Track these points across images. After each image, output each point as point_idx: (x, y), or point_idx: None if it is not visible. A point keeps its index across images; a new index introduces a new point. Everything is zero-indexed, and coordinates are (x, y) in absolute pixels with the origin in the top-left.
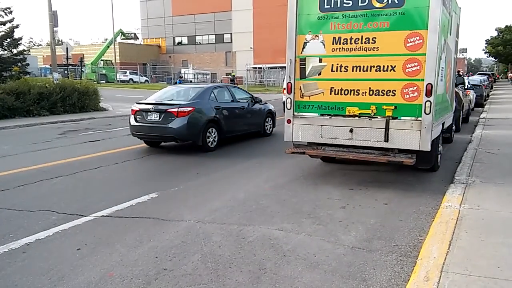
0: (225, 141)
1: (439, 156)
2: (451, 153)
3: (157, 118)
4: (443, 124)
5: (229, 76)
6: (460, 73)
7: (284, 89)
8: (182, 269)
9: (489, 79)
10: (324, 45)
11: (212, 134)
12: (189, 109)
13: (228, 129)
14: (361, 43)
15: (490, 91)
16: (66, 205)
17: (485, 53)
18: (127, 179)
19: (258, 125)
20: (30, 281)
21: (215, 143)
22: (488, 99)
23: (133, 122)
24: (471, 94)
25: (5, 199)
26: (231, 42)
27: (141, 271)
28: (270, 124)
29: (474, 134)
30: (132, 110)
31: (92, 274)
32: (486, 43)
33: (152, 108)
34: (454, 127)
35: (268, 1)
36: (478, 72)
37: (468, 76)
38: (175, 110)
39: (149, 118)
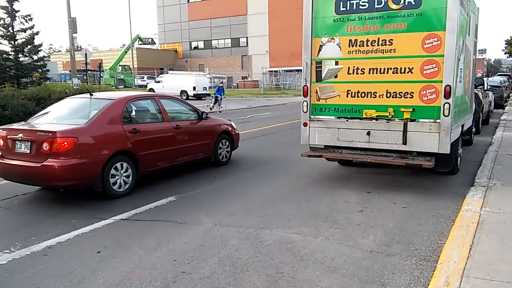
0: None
1: (459, 158)
2: (471, 156)
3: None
4: (462, 126)
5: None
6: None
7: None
8: (200, 272)
9: (510, 80)
10: (340, 47)
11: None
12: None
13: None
14: (378, 45)
15: (511, 92)
16: (86, 208)
17: (505, 53)
18: (145, 183)
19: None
20: (52, 283)
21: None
22: (508, 100)
23: None
24: (490, 96)
25: (27, 203)
26: (247, 46)
27: (160, 274)
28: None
29: (495, 136)
30: None
31: (112, 277)
32: (506, 44)
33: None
34: (474, 129)
35: (283, 5)
36: (498, 73)
37: (488, 77)
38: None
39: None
